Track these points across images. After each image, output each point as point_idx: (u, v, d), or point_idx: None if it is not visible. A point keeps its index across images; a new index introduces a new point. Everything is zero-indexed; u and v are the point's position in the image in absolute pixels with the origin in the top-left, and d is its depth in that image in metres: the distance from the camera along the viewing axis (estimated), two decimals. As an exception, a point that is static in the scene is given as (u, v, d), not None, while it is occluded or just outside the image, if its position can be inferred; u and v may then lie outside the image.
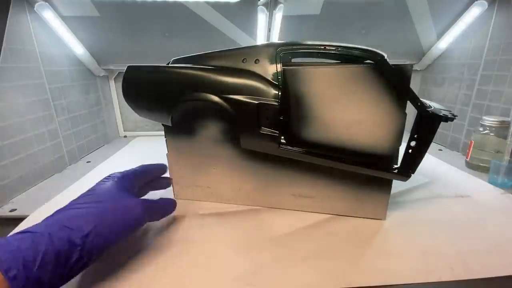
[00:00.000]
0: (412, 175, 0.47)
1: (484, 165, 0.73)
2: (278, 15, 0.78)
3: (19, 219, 0.53)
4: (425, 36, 0.93)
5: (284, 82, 0.47)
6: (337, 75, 0.46)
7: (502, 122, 0.70)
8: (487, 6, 0.79)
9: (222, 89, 0.48)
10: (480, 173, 0.73)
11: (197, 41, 0.91)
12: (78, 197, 0.39)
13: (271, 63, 0.47)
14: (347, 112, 0.47)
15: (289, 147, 0.48)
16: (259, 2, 0.76)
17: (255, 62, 0.48)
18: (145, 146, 1.02)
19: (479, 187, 0.65)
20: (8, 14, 0.64)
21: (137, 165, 0.51)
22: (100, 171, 0.78)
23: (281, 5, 0.76)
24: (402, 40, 0.95)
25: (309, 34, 0.90)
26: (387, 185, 0.50)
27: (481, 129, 0.73)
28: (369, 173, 0.48)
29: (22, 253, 0.27)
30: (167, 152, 0.57)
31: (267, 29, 0.84)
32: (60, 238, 0.30)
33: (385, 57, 0.43)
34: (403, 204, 0.58)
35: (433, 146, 0.66)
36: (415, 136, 0.45)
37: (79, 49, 0.88)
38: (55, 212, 0.35)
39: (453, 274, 0.39)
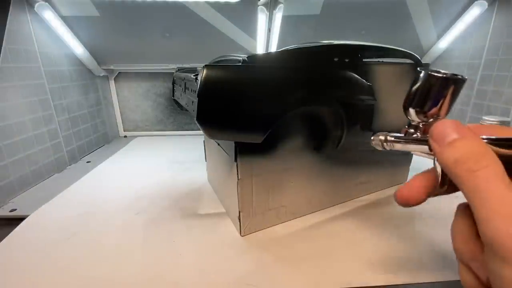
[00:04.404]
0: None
1: (484, 165, 0.73)
2: (278, 15, 0.78)
3: (19, 219, 0.53)
4: (425, 36, 0.93)
5: (368, 80, 0.48)
6: (393, 71, 0.54)
7: (502, 122, 0.70)
8: (487, 6, 0.79)
9: (336, 92, 0.45)
10: (480, 173, 0.73)
11: (197, 41, 0.91)
12: None
13: (359, 62, 0.48)
14: (396, 101, 0.53)
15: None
16: (259, 2, 0.76)
17: (345, 61, 0.46)
18: (145, 146, 1.02)
19: (479, 187, 0.65)
20: (8, 14, 0.64)
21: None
22: (100, 171, 0.78)
23: (281, 5, 0.76)
24: (402, 40, 0.95)
25: (309, 34, 0.90)
26: (410, 153, 0.63)
27: (481, 129, 0.73)
28: None
29: None
30: (237, 179, 0.45)
31: (267, 29, 0.84)
32: None
33: (420, 59, 0.56)
34: (403, 204, 0.58)
35: (433, 146, 0.66)
36: None
37: (79, 49, 0.88)
38: None
39: (454, 274, 0.39)
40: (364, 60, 0.49)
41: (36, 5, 0.71)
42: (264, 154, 0.46)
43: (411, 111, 0.21)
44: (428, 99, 0.20)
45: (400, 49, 0.54)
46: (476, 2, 0.79)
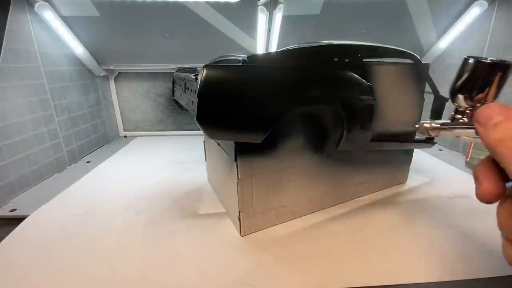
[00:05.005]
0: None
1: (484, 165, 0.73)
2: (278, 15, 0.78)
3: (19, 219, 0.53)
4: (425, 36, 0.93)
5: (367, 80, 0.48)
6: (393, 71, 0.55)
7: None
8: (487, 6, 0.79)
9: (336, 92, 0.44)
10: (480, 173, 0.73)
11: (197, 41, 0.91)
12: None
13: (359, 62, 0.48)
14: (396, 101, 0.56)
15: (374, 140, 0.52)
16: (259, 2, 0.76)
17: (345, 61, 0.46)
18: (145, 146, 1.02)
19: (479, 187, 0.65)
20: (8, 14, 0.64)
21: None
22: (100, 171, 0.78)
23: (281, 5, 0.76)
24: (402, 40, 0.95)
25: (309, 34, 0.90)
26: (410, 154, 0.67)
27: (481, 129, 0.73)
28: (410, 147, 0.64)
29: None
30: (237, 179, 0.45)
31: (267, 29, 0.84)
32: None
33: (420, 58, 0.56)
34: (403, 204, 0.58)
35: (433, 146, 0.66)
36: (433, 113, 0.59)
37: (79, 49, 0.88)
38: None
39: (453, 274, 0.39)
40: (364, 60, 0.49)
41: (36, 5, 0.71)
42: (264, 154, 0.45)
43: (460, 97, 0.22)
44: (476, 85, 0.20)
45: (400, 49, 0.54)
46: (476, 2, 0.79)
